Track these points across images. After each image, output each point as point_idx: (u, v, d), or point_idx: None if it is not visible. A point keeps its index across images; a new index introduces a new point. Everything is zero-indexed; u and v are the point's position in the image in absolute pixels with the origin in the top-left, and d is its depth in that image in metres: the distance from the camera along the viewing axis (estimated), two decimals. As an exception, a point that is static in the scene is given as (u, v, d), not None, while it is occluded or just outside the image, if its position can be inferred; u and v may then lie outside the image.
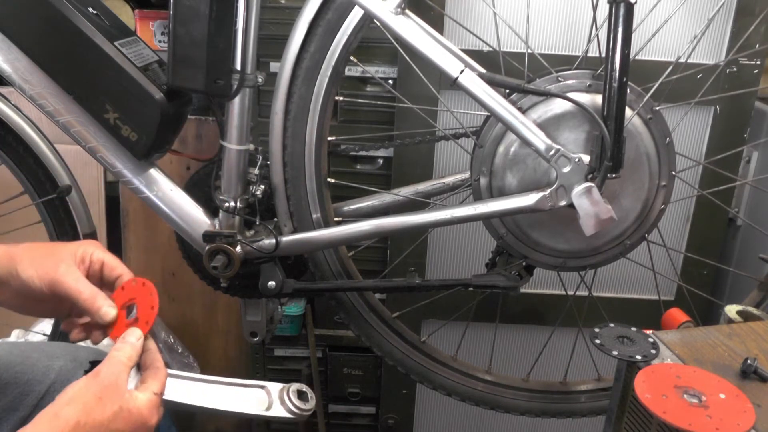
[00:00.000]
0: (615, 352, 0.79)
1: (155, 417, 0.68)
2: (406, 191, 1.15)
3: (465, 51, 1.02)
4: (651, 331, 0.84)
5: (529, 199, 0.96)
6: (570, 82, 0.97)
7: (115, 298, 0.75)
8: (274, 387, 0.82)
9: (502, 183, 1.00)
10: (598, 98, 0.94)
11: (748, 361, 0.76)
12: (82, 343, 1.44)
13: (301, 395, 0.81)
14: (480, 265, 1.35)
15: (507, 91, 0.97)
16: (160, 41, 1.47)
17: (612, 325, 0.85)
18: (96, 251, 0.76)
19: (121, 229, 1.60)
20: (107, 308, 0.73)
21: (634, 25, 0.89)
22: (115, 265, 0.77)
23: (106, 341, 1.56)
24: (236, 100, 0.98)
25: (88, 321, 0.77)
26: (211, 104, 1.01)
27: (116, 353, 0.68)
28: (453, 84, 0.93)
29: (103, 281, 0.77)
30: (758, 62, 1.28)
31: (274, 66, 1.31)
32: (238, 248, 1.03)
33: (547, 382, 1.25)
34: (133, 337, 0.70)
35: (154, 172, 1.04)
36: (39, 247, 0.75)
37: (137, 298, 0.74)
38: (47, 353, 0.93)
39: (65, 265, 0.73)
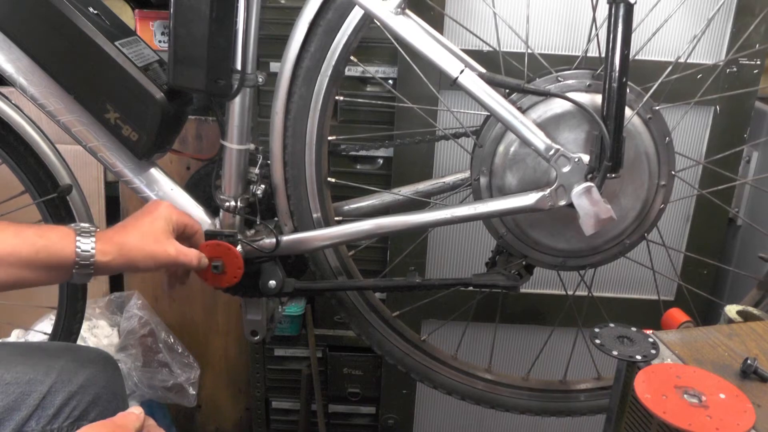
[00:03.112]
0: (615, 352, 0.79)
1: None
2: (406, 191, 1.15)
3: (465, 51, 1.02)
4: (651, 331, 0.84)
5: (528, 199, 0.97)
6: (570, 82, 0.97)
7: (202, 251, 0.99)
8: None
9: (501, 182, 1.00)
10: (598, 98, 0.94)
11: (748, 361, 0.76)
12: (82, 344, 1.45)
13: None
14: (480, 264, 1.35)
15: (507, 90, 0.97)
16: (160, 41, 1.47)
17: (612, 325, 0.85)
18: (177, 217, 0.93)
19: (121, 229, 1.60)
20: (204, 258, 0.98)
21: (634, 25, 0.89)
22: (192, 224, 0.97)
23: (105, 341, 1.55)
24: (237, 100, 0.98)
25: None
26: (212, 104, 1.01)
27: (126, 413, 0.76)
28: (453, 84, 0.93)
29: (183, 236, 0.96)
30: (758, 62, 1.28)
31: (274, 66, 1.31)
32: (239, 247, 1.03)
33: (546, 380, 1.25)
34: (137, 410, 0.77)
35: (154, 172, 1.04)
36: (141, 235, 0.88)
37: (220, 256, 1.01)
38: (48, 353, 0.93)
39: (171, 246, 0.91)
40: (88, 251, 0.82)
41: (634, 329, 0.84)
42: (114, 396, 0.95)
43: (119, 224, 0.90)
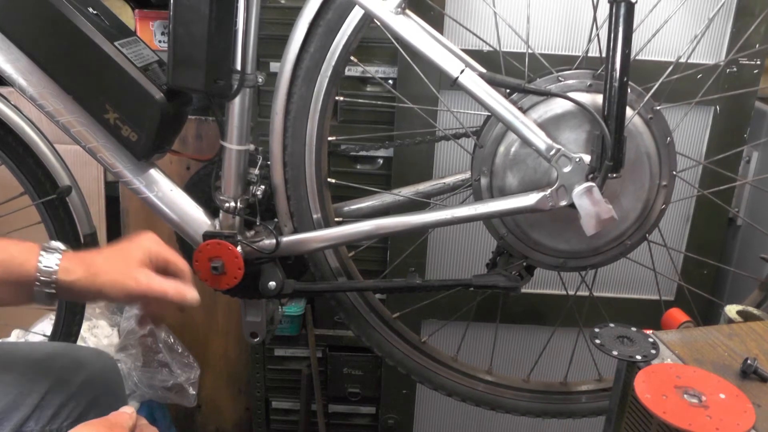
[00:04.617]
0: (615, 352, 0.79)
1: None
2: (407, 191, 1.15)
3: (465, 51, 1.02)
4: (651, 331, 0.84)
5: (529, 199, 0.96)
6: (570, 81, 0.97)
7: (197, 263, 0.96)
8: None
9: (502, 183, 1.00)
10: (599, 98, 0.93)
11: (748, 361, 0.76)
12: (81, 343, 1.44)
13: None
14: (480, 265, 1.35)
15: (507, 90, 0.97)
16: (160, 41, 1.47)
17: (612, 325, 0.85)
18: (158, 249, 0.83)
19: (121, 229, 1.60)
20: (192, 293, 0.83)
21: (635, 25, 0.89)
22: (177, 262, 0.84)
23: (105, 341, 1.55)
24: (236, 101, 0.98)
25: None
26: (211, 104, 1.00)
27: (119, 412, 0.75)
28: (453, 84, 0.93)
29: (167, 273, 0.84)
30: (758, 62, 1.28)
31: (274, 66, 1.31)
32: (239, 248, 1.03)
33: (547, 382, 1.25)
34: (128, 409, 0.76)
35: (154, 173, 1.04)
36: (112, 259, 0.80)
37: (219, 255, 0.97)
38: (48, 353, 0.93)
39: (143, 274, 0.80)
40: (50, 267, 0.75)
41: (634, 329, 0.84)
42: (113, 396, 0.95)
43: (95, 249, 0.85)
